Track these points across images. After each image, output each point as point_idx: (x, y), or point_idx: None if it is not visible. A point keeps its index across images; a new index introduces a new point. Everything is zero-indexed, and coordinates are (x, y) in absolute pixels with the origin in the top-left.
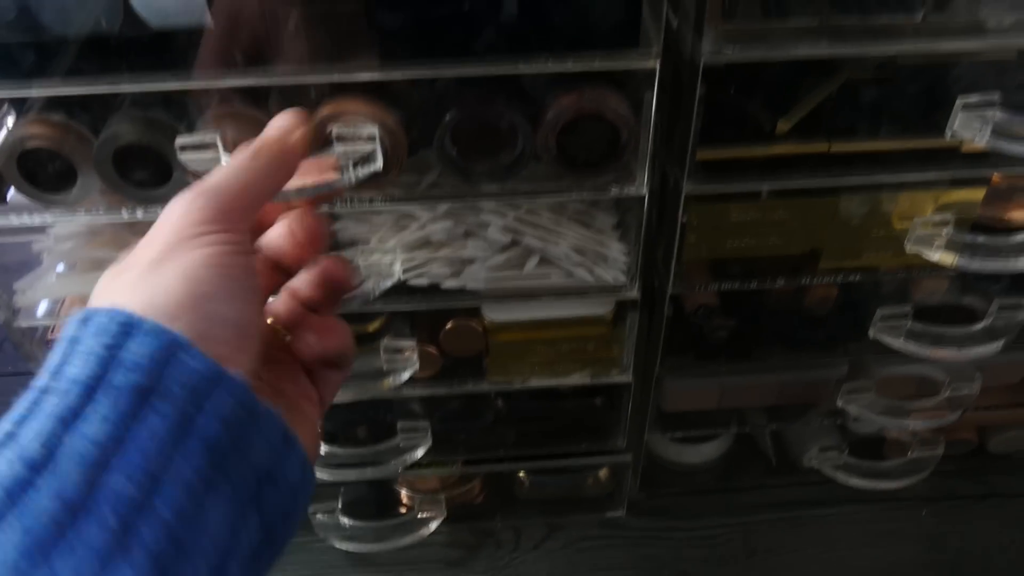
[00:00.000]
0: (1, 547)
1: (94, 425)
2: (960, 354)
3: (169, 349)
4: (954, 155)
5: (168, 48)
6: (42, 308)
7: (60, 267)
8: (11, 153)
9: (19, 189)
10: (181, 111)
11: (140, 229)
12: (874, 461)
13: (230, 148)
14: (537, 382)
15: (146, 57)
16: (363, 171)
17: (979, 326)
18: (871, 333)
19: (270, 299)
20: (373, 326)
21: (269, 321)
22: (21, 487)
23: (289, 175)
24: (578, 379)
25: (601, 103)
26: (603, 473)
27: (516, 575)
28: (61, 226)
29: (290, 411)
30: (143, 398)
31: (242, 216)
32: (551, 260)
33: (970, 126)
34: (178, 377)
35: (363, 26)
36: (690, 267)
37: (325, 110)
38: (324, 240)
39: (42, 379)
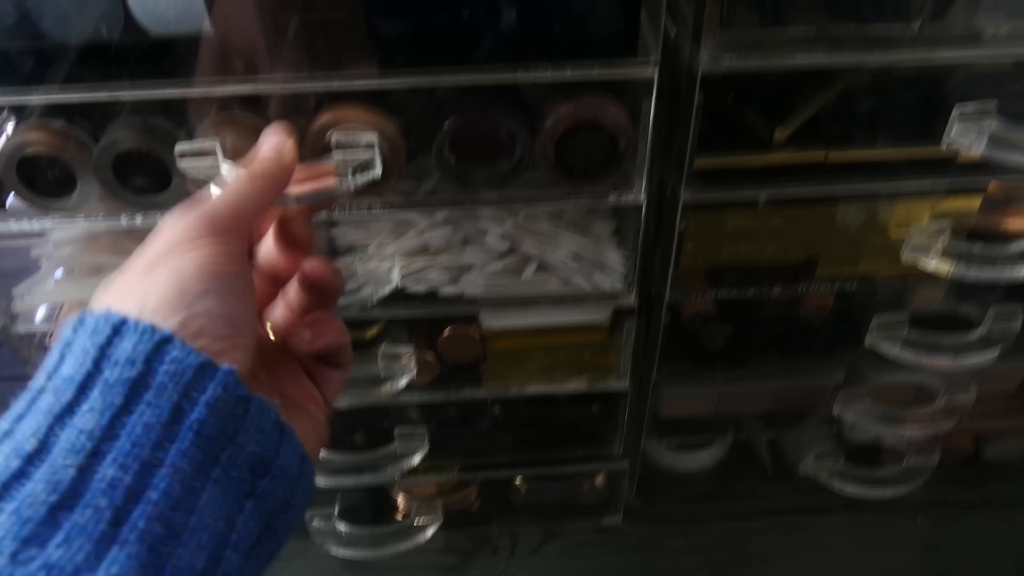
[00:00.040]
0: None
1: (87, 418)
2: (956, 362)
3: (159, 345)
4: (950, 164)
5: (168, 55)
6: (40, 313)
7: (59, 273)
8: (11, 159)
9: (19, 195)
10: (180, 118)
11: (139, 235)
12: (870, 469)
13: (229, 155)
14: (534, 389)
15: (146, 64)
16: (362, 178)
17: (975, 334)
18: (867, 341)
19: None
20: (371, 332)
21: (268, 326)
22: (15, 478)
23: (282, 189)
24: (575, 386)
25: (599, 111)
26: (599, 480)
27: None
28: (60, 232)
29: (293, 410)
30: (134, 391)
31: (235, 230)
32: (549, 267)
33: (966, 135)
34: (168, 370)
35: (362, 34)
36: (687, 274)
37: (324, 117)
38: (313, 249)
39: (39, 380)
